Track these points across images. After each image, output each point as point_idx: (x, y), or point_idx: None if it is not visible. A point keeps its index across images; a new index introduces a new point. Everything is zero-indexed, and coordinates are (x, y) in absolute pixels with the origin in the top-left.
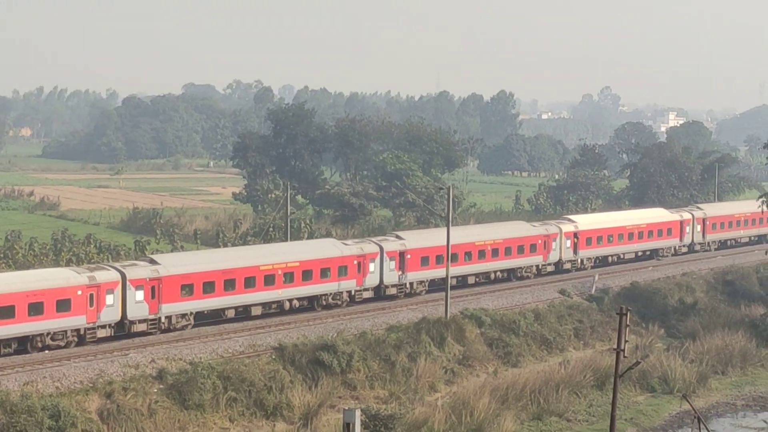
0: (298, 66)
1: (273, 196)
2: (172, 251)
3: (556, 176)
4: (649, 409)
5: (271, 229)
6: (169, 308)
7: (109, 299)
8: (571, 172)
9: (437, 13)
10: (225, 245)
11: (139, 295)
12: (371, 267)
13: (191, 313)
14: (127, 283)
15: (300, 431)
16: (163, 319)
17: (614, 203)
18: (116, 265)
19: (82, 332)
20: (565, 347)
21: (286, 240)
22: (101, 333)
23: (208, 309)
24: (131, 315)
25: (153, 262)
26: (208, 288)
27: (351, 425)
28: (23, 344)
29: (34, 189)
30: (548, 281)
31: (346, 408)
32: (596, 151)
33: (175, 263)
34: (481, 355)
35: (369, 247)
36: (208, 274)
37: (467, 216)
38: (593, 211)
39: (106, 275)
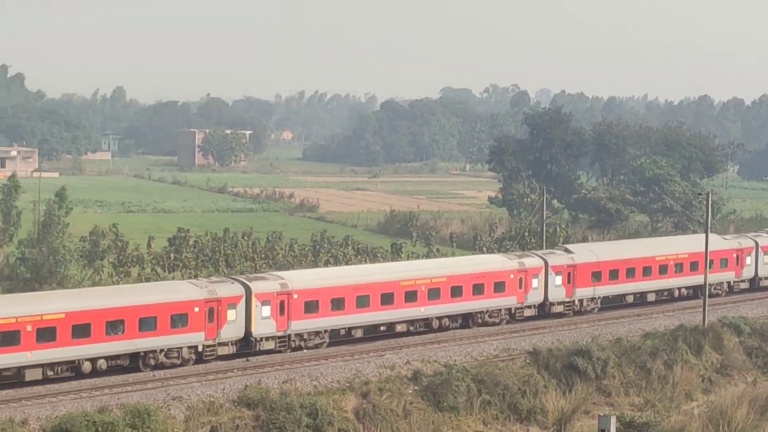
0: (555, 70)
1: (529, 200)
2: (427, 255)
3: None
4: None
5: (526, 233)
6: (581, 292)
7: (534, 283)
8: None
9: (694, 15)
10: (481, 249)
11: (558, 280)
12: (747, 260)
13: (599, 298)
14: (549, 269)
15: None
16: (576, 302)
17: None
18: (539, 252)
19: (513, 311)
20: None
21: (541, 246)
22: (527, 312)
23: (612, 294)
24: (552, 297)
25: (567, 251)
26: (613, 275)
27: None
28: (466, 320)
29: (294, 191)
30: None
31: (601, 414)
32: None
33: (588, 252)
34: (740, 364)
35: (746, 242)
36: (613, 263)
37: (726, 222)
38: None
39: (532, 261)
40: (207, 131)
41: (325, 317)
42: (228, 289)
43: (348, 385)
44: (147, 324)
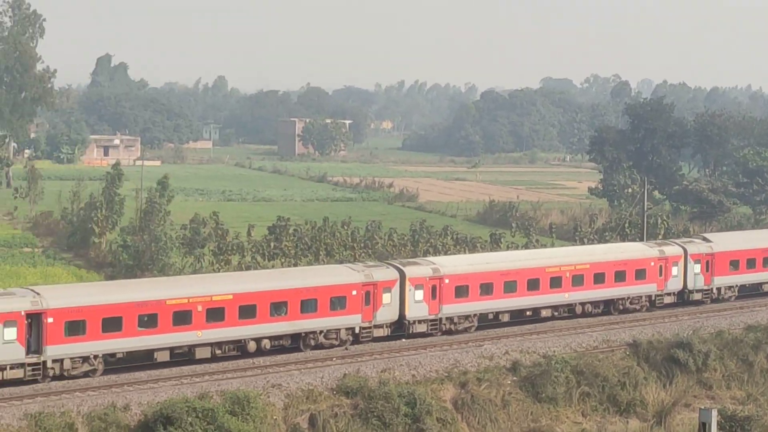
0: (657, 60)
1: (629, 191)
2: (526, 245)
3: None
4: None
5: (626, 224)
6: (720, 281)
7: (674, 271)
8: None
9: None
10: (581, 240)
11: (697, 268)
12: None
13: (736, 286)
14: (688, 257)
15: (653, 429)
16: (714, 290)
17: None
18: (678, 241)
19: (653, 299)
20: None
21: (642, 237)
22: (667, 300)
23: (749, 282)
24: (691, 285)
25: (706, 240)
26: (750, 264)
27: (707, 425)
28: (608, 306)
29: (393, 181)
30: None
31: (702, 407)
32: None
33: (725, 242)
34: None
35: None
36: (751, 252)
37: None
38: None
39: (672, 250)
40: (307, 120)
41: (474, 302)
42: (383, 273)
43: (446, 374)
44: (308, 306)
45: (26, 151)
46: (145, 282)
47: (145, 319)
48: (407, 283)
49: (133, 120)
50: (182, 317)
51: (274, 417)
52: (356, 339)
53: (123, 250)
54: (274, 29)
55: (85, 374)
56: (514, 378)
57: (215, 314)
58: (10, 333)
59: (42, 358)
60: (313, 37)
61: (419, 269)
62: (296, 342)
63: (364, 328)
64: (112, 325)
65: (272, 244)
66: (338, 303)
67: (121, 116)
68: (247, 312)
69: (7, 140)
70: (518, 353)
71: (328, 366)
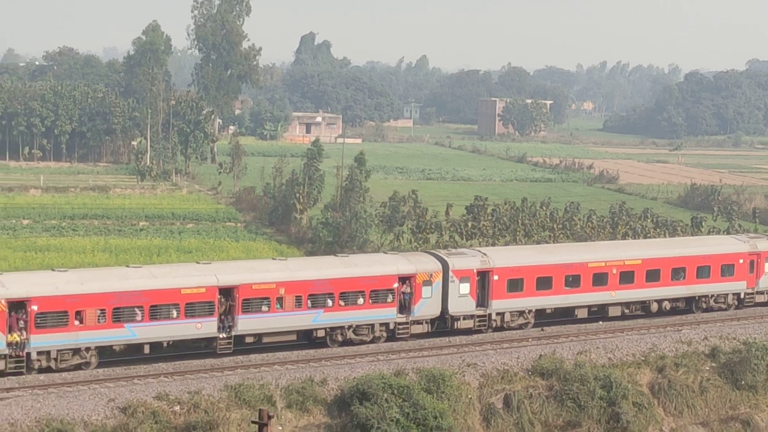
0: None
1: None
2: (727, 230)
3: None
4: None
5: None
6: None
7: None
8: None
9: None
10: None
11: None
12: None
13: None
14: None
15: None
16: None
17: None
18: None
19: None
20: None
21: None
22: None
23: None
24: None
25: None
26: None
27: None
28: None
29: (593, 162)
30: None
31: None
32: None
33: None
34: None
35: None
36: None
37: None
38: None
39: None
40: (507, 100)
41: None
42: (766, 244)
43: (643, 359)
44: (703, 272)
45: (231, 127)
46: (568, 246)
47: (570, 279)
48: None
49: (335, 98)
50: (600, 279)
51: (469, 396)
52: (740, 304)
53: (323, 227)
54: (477, 9)
55: (519, 327)
56: (713, 364)
57: (627, 277)
58: (465, 288)
59: (488, 311)
60: (515, 17)
61: None
62: (689, 305)
63: (748, 294)
64: (544, 283)
65: (470, 224)
66: (727, 270)
67: (323, 94)
68: (653, 276)
69: (212, 116)
70: (718, 339)
71: (524, 346)
